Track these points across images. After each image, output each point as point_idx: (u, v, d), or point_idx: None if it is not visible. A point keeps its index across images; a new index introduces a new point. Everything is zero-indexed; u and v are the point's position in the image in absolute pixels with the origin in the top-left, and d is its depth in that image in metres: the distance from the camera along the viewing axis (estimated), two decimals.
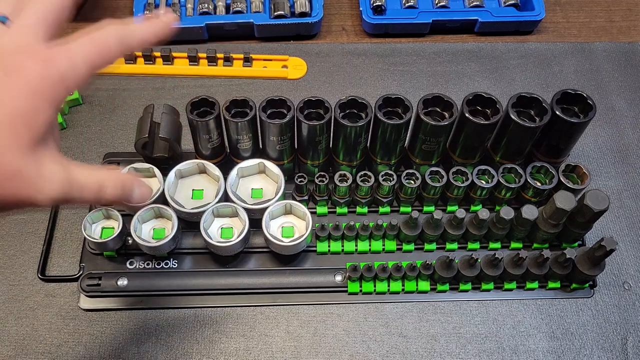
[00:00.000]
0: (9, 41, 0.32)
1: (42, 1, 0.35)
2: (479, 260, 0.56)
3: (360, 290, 0.58)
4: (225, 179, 0.58)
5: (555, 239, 0.60)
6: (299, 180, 0.59)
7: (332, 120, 0.55)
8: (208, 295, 0.58)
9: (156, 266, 0.58)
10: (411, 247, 0.60)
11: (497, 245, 0.60)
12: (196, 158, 0.60)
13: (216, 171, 0.58)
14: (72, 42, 0.34)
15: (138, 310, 0.57)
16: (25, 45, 0.32)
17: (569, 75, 0.75)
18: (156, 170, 0.58)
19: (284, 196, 0.59)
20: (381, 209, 0.61)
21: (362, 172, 0.59)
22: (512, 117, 0.55)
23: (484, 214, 0.55)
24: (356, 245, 0.60)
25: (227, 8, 0.77)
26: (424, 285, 0.58)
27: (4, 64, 0.31)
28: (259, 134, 0.58)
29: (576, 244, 0.61)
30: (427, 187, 0.59)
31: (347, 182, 0.58)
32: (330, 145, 0.60)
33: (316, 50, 0.77)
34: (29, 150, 0.31)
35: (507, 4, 0.78)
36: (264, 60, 0.75)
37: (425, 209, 0.62)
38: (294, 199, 0.61)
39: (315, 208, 0.61)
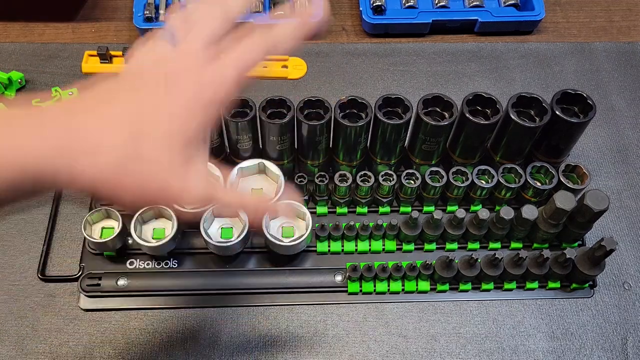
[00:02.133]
0: (175, 64, 0.36)
1: (209, 24, 0.37)
2: (479, 260, 0.56)
3: (360, 290, 0.58)
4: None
5: (555, 239, 0.60)
6: (299, 180, 0.59)
7: (332, 120, 0.55)
8: (208, 295, 0.58)
9: (156, 266, 0.59)
10: (411, 247, 0.60)
11: (497, 245, 0.60)
12: None
13: (216, 171, 0.58)
14: (225, 57, 0.37)
15: (138, 310, 0.57)
16: (187, 69, 0.36)
17: (569, 75, 0.75)
18: None
19: None
20: (381, 209, 0.61)
21: (362, 172, 0.59)
22: (512, 117, 0.55)
23: (484, 214, 0.55)
24: (356, 245, 0.60)
25: None
26: (424, 285, 0.58)
27: (168, 84, 0.35)
28: (259, 134, 0.58)
29: (576, 244, 0.61)
30: (427, 187, 0.59)
31: (347, 182, 0.58)
32: (330, 145, 0.60)
33: (316, 50, 0.77)
34: (180, 165, 0.35)
35: (507, 4, 0.78)
36: (264, 60, 0.75)
37: (425, 209, 0.62)
38: None
39: (315, 208, 0.61)
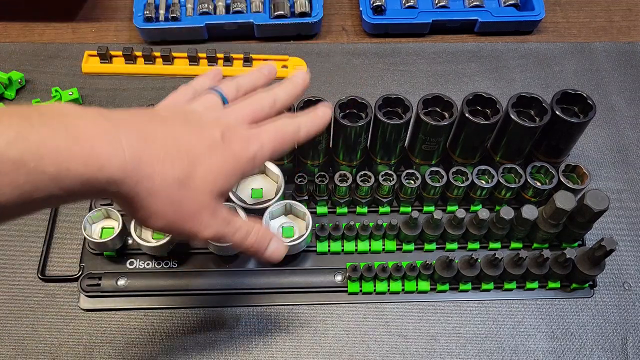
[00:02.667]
0: (227, 119, 0.42)
1: (258, 103, 0.44)
2: (479, 260, 0.56)
3: (360, 290, 0.58)
4: None
5: (555, 239, 0.60)
6: (299, 180, 0.59)
7: (333, 120, 0.55)
8: (208, 295, 0.58)
9: (156, 266, 0.59)
10: (411, 247, 0.60)
11: (497, 245, 0.60)
12: None
13: None
14: (262, 128, 0.43)
15: (138, 310, 0.57)
16: (236, 127, 0.42)
17: (569, 75, 0.75)
18: None
19: (284, 196, 0.59)
20: (381, 209, 0.61)
21: (362, 172, 0.59)
22: (512, 117, 0.55)
23: (484, 214, 0.55)
24: (356, 245, 0.60)
25: (227, 8, 0.77)
26: (424, 285, 0.58)
27: (224, 134, 0.40)
28: None
29: (576, 244, 0.61)
30: (427, 187, 0.59)
31: (347, 182, 0.58)
32: (330, 145, 0.60)
33: (316, 50, 0.77)
34: (213, 199, 0.40)
35: (507, 4, 0.79)
36: (264, 60, 0.75)
37: (425, 209, 0.62)
38: (294, 199, 0.61)
39: (315, 208, 0.61)
